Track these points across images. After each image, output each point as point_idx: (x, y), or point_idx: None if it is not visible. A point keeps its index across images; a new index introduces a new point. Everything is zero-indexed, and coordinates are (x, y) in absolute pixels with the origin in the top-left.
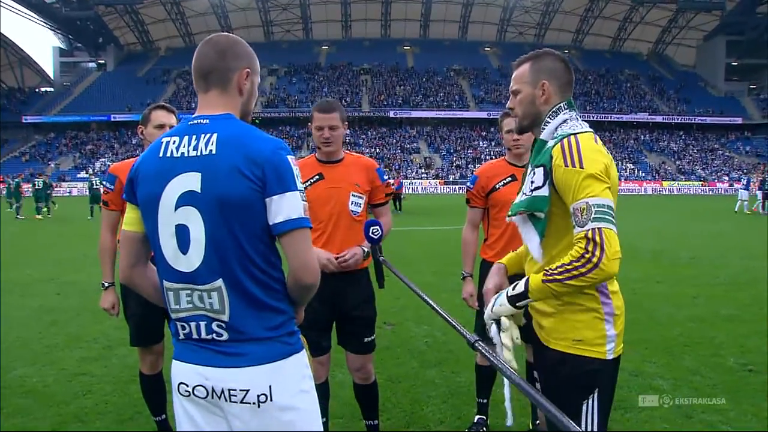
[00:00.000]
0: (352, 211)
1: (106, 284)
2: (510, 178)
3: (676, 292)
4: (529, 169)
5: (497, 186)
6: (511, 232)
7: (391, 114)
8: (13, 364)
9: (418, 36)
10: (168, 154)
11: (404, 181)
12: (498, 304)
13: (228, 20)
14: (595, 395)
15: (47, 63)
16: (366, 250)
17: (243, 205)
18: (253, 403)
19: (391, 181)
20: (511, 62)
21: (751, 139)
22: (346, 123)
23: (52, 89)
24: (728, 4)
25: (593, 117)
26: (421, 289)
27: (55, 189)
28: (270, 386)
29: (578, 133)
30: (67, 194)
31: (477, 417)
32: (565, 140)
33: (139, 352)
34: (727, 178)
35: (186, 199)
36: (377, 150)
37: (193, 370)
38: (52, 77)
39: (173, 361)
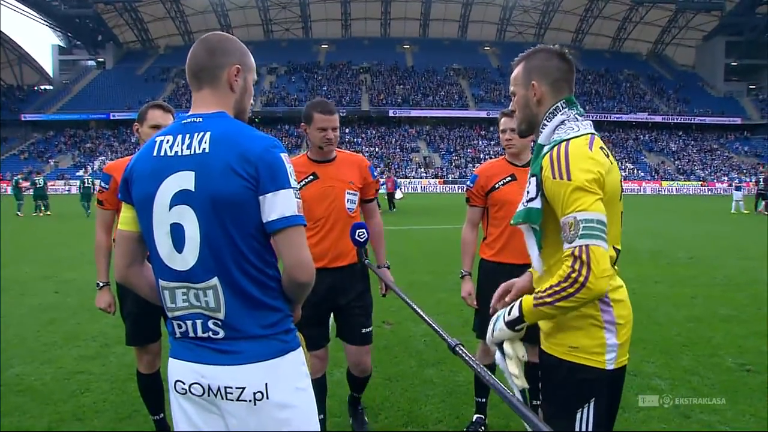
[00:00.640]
0: (348, 208)
1: (101, 284)
2: (510, 178)
3: (674, 293)
4: (529, 175)
5: (497, 185)
6: (510, 231)
7: (391, 113)
8: (10, 362)
9: (418, 35)
10: (162, 153)
11: (404, 180)
12: (497, 329)
13: (227, 18)
14: (591, 405)
15: (46, 61)
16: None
17: (237, 203)
18: (250, 401)
19: (382, 179)
20: (510, 62)
21: (751, 140)
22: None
23: (51, 87)
24: (728, 5)
25: (592, 117)
26: (418, 288)
27: (54, 187)
28: (266, 384)
29: (571, 138)
30: (66, 192)
31: (475, 416)
32: (555, 149)
33: (135, 352)
34: (726, 178)
35: (180, 197)
36: (376, 149)
37: (190, 368)
38: (51, 75)
39: (170, 359)
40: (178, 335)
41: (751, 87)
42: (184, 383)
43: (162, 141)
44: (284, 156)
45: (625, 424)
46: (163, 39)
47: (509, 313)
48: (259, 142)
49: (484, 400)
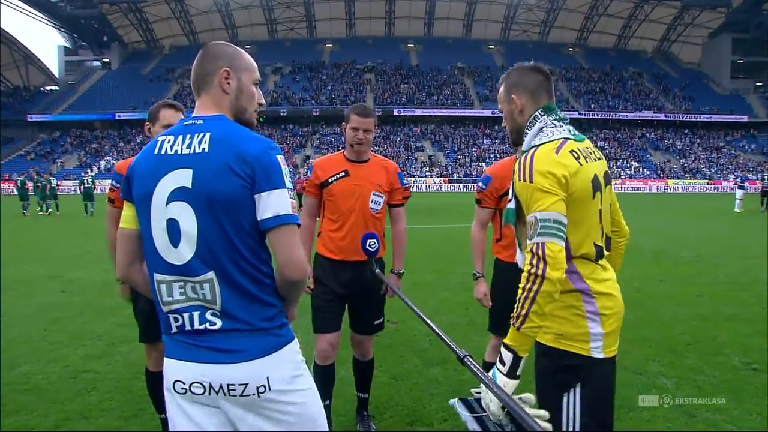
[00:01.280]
0: (372, 208)
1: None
2: None
3: (678, 291)
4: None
5: None
6: None
7: (395, 112)
8: (16, 361)
9: (422, 34)
10: (162, 152)
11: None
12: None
13: (232, 18)
14: (577, 390)
15: (52, 61)
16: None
17: (233, 200)
18: (253, 395)
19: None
20: (515, 60)
21: (757, 137)
22: (376, 127)
23: (56, 88)
24: (734, 2)
25: (597, 115)
26: (422, 287)
27: (60, 187)
28: (267, 377)
29: (542, 144)
30: (72, 192)
31: None
32: (524, 154)
33: (146, 349)
34: (732, 176)
35: (178, 194)
36: (381, 148)
37: (189, 367)
38: (56, 76)
39: (165, 359)
40: (174, 330)
41: (757, 84)
42: (183, 383)
43: (164, 141)
44: (280, 158)
45: (629, 423)
46: (167, 39)
47: (503, 364)
48: (256, 144)
49: None
